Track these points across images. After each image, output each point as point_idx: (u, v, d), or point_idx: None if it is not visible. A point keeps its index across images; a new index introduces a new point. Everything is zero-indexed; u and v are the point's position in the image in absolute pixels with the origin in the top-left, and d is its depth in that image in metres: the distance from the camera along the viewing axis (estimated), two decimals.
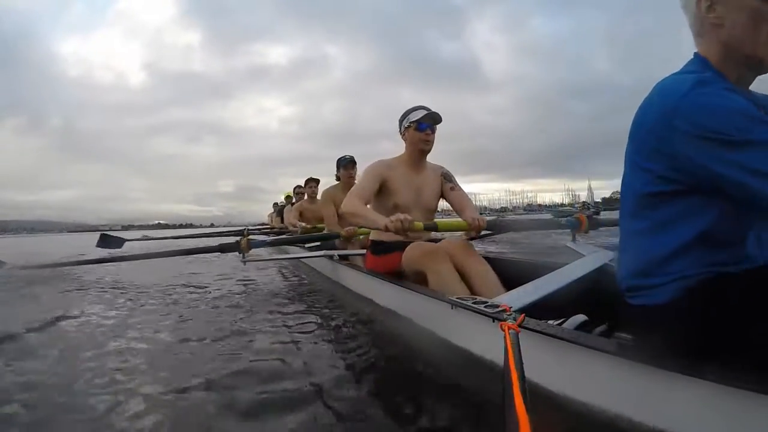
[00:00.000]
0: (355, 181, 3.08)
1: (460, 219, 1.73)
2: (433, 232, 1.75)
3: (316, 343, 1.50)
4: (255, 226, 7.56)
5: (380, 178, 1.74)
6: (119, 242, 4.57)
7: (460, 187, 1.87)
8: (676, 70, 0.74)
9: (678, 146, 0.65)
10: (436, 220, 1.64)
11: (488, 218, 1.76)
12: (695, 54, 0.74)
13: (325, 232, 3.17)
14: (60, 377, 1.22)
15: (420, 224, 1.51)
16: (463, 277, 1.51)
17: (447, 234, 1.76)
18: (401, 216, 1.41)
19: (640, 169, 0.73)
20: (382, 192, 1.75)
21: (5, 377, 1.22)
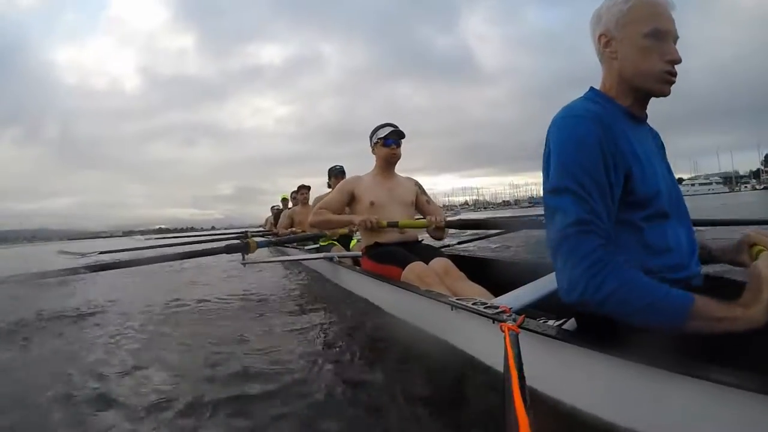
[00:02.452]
0: None
1: (420, 218, 1.99)
2: (407, 231, 2.01)
3: (314, 345, 1.50)
4: (256, 229, 7.53)
5: (349, 191, 2.00)
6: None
7: (428, 196, 2.17)
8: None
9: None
10: (398, 220, 1.89)
11: (449, 218, 2.04)
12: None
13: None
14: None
15: (384, 222, 1.82)
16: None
17: (411, 231, 2.04)
18: (366, 216, 1.81)
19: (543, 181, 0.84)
20: (355, 199, 2.00)
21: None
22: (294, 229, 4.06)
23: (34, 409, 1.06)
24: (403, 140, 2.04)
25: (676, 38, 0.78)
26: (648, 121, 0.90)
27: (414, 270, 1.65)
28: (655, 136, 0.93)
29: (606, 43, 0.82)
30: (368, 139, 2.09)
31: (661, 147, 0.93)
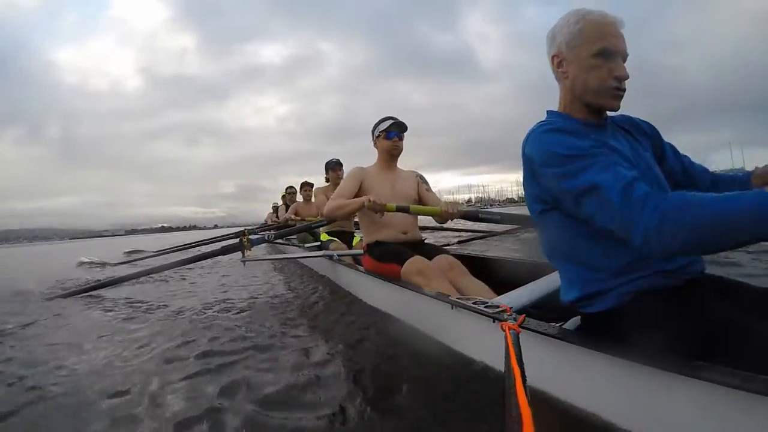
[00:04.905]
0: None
1: (432, 206, 1.85)
2: (410, 231, 1.95)
3: (312, 344, 1.50)
4: (257, 227, 7.54)
5: (359, 179, 1.99)
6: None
7: (432, 191, 2.13)
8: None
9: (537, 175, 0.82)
10: (409, 205, 1.82)
11: (463, 208, 1.82)
12: None
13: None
14: None
15: (392, 206, 1.76)
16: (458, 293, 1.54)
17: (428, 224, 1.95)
18: (374, 197, 1.76)
19: (527, 193, 0.89)
20: (361, 191, 1.98)
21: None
22: (299, 218, 4.41)
23: None
24: (404, 134, 2.03)
25: (625, 56, 0.81)
26: (649, 118, 0.93)
27: (415, 264, 1.63)
28: (634, 126, 0.94)
29: (558, 63, 0.86)
30: (370, 134, 2.09)
31: (645, 134, 0.94)
